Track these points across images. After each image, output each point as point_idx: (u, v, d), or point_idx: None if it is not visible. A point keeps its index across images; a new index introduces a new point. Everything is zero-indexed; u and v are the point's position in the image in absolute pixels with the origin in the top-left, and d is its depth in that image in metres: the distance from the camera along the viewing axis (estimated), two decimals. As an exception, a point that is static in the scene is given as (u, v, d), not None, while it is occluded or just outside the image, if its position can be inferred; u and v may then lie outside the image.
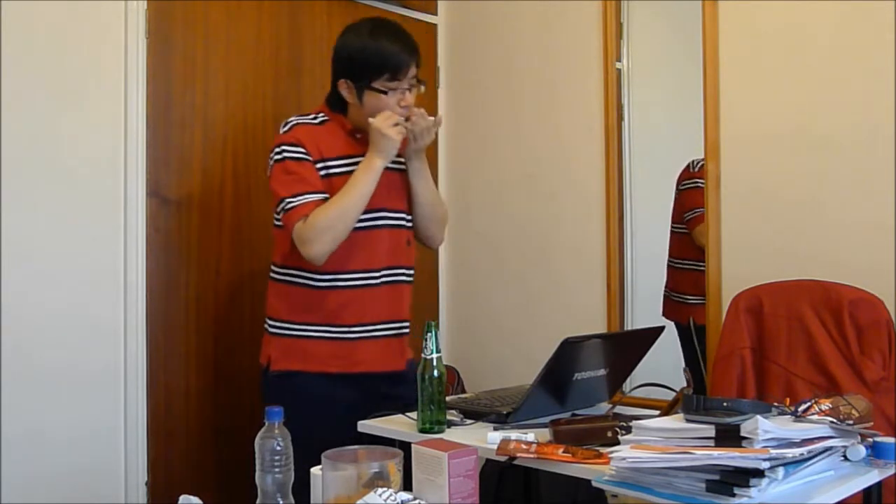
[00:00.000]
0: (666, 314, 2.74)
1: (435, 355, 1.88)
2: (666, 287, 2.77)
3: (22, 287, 2.26)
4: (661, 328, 2.13)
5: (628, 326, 2.84)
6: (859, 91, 2.30)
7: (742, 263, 2.50)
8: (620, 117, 2.85)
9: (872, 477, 1.53)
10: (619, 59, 2.86)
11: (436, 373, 1.87)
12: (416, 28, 3.10)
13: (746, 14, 2.50)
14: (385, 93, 2.16)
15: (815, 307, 2.22)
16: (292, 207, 2.12)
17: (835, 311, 2.18)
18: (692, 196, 2.64)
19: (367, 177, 2.14)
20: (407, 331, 2.30)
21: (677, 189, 2.72)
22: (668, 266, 2.76)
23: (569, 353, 1.91)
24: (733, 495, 1.33)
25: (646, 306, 2.84)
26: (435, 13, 3.35)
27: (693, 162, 2.65)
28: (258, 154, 2.79)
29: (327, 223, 2.10)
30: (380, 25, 2.23)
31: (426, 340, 1.88)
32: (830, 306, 2.19)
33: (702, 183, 2.59)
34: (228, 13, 2.73)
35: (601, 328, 2.85)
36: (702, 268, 2.59)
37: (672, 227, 2.75)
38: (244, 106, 2.77)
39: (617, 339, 2.35)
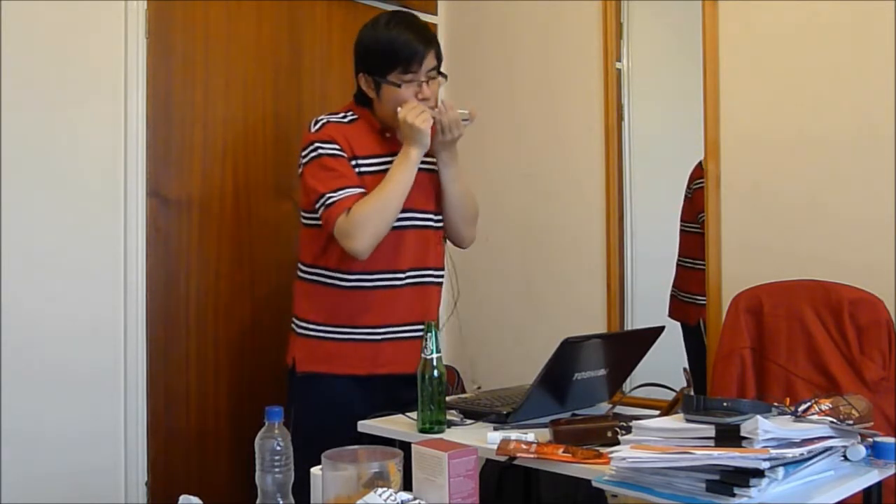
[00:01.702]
0: (672, 314, 2.72)
1: (435, 355, 1.87)
2: (674, 286, 2.75)
3: (22, 287, 2.26)
4: (661, 328, 2.12)
5: (628, 326, 2.84)
6: (859, 91, 2.29)
7: (742, 263, 2.50)
8: (620, 117, 2.85)
9: (872, 477, 1.53)
10: (619, 59, 2.86)
11: (436, 373, 1.87)
12: (416, 28, 3.10)
13: (746, 14, 2.50)
14: (399, 86, 2.15)
15: (815, 307, 2.22)
16: (333, 202, 2.09)
17: (835, 311, 2.18)
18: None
19: (404, 167, 2.12)
20: None
21: (689, 188, 2.69)
22: (678, 265, 2.74)
23: (569, 353, 1.91)
24: (733, 495, 1.33)
25: (646, 306, 2.83)
26: (435, 13, 3.34)
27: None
28: (258, 154, 2.79)
29: (369, 216, 2.08)
30: (394, 17, 2.21)
31: (426, 340, 1.88)
32: (830, 306, 2.19)
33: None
34: (228, 13, 2.73)
35: (601, 328, 2.85)
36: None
37: (682, 225, 2.72)
38: (244, 106, 2.77)
39: (617, 339, 2.35)
